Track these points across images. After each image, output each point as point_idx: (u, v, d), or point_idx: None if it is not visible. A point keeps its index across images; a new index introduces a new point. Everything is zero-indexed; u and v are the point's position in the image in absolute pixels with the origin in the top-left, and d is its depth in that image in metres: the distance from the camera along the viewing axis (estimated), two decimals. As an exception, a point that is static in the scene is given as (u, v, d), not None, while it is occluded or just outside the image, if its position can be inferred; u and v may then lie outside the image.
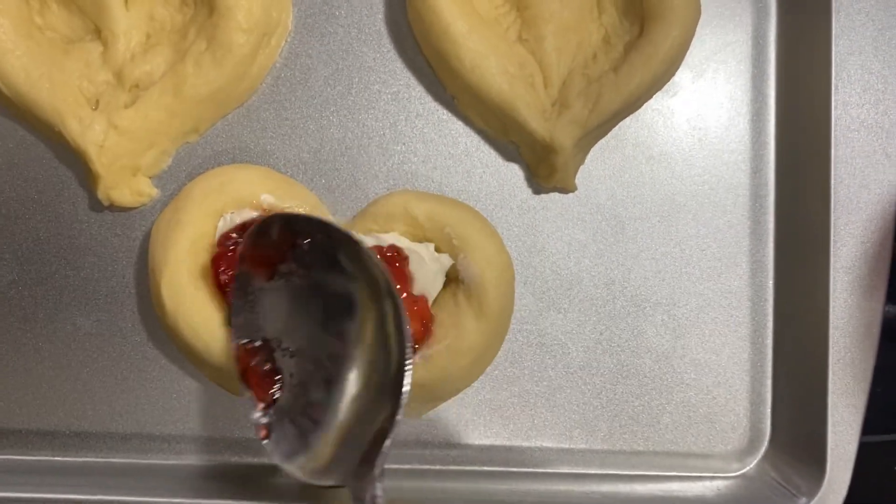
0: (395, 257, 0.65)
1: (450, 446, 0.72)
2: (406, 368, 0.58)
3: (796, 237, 0.72)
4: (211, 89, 0.69)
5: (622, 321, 0.73)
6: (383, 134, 0.73)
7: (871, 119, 0.68)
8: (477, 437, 0.72)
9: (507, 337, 0.71)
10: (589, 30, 0.71)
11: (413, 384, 0.58)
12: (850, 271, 0.68)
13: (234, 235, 0.67)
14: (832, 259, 0.68)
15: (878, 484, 0.79)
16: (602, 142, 0.73)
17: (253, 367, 0.63)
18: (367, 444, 0.58)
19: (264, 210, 0.68)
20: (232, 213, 0.68)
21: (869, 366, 0.68)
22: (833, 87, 0.68)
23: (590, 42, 0.70)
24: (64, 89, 0.68)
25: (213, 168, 0.71)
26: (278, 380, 0.63)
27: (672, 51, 0.68)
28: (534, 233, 0.73)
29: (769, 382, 0.73)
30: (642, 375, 0.73)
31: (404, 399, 0.58)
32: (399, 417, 0.57)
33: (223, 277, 0.66)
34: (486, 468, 0.72)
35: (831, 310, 0.68)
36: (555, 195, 0.73)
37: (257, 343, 0.64)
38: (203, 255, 0.68)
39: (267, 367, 0.63)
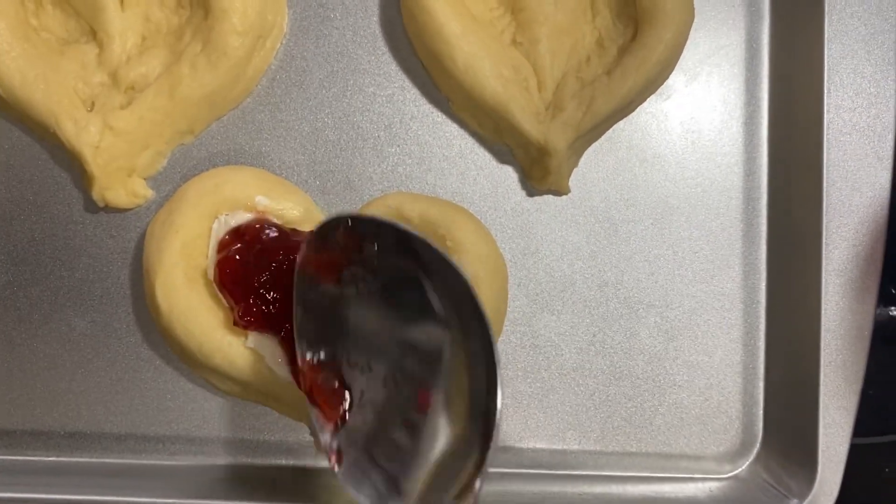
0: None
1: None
2: (496, 390, 0.49)
3: (788, 240, 0.72)
4: (206, 91, 0.69)
5: (615, 323, 0.73)
6: (378, 136, 0.73)
7: (863, 122, 0.69)
8: (470, 438, 0.73)
9: (500, 338, 0.72)
10: (583, 32, 0.71)
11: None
12: (842, 274, 0.68)
13: (227, 237, 0.67)
14: (824, 262, 0.68)
15: (869, 485, 0.79)
16: (596, 144, 0.73)
17: (320, 385, 0.57)
18: (455, 475, 0.50)
19: (258, 212, 0.68)
20: (226, 214, 0.68)
21: (860, 368, 0.68)
22: (825, 91, 0.69)
23: (583, 45, 0.71)
24: (59, 91, 0.68)
25: (207, 170, 0.71)
26: (345, 398, 0.56)
27: (665, 54, 0.68)
28: (527, 235, 0.73)
29: (761, 384, 0.73)
30: (635, 377, 0.73)
31: (498, 427, 0.49)
32: (492, 451, 0.48)
33: (228, 282, 0.66)
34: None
35: (823, 312, 0.68)
36: (548, 197, 0.73)
37: (323, 356, 0.58)
38: (198, 257, 0.68)
39: (335, 384, 0.57)
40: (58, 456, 0.72)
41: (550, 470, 0.73)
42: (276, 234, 0.67)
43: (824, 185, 0.68)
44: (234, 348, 0.67)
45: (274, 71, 0.73)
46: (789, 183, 0.72)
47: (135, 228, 0.73)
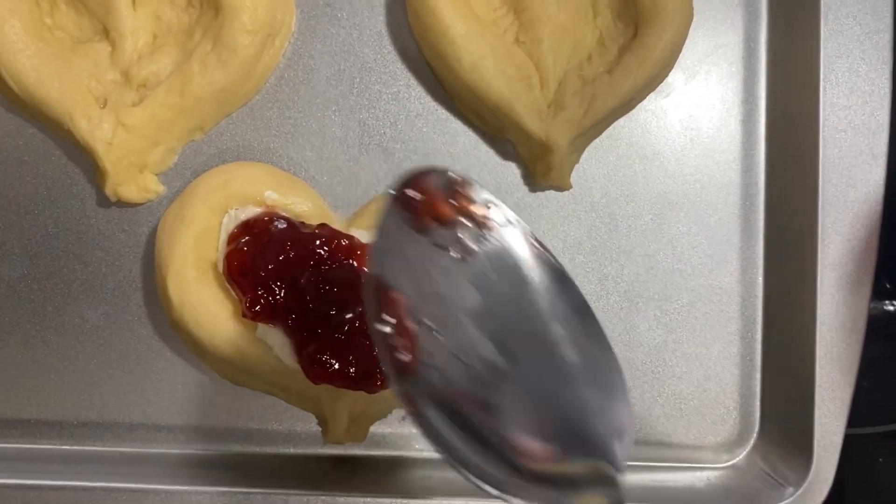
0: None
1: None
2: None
3: (785, 235, 0.73)
4: (216, 89, 0.70)
5: (615, 316, 0.73)
6: (383, 133, 0.74)
7: (859, 120, 0.69)
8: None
9: (503, 331, 0.72)
10: (584, 32, 0.71)
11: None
12: (838, 268, 0.69)
13: (237, 230, 0.68)
14: (820, 256, 0.69)
15: (863, 474, 0.80)
16: (596, 141, 0.74)
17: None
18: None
19: (267, 206, 0.69)
20: (236, 209, 0.69)
21: (855, 360, 0.69)
22: (821, 89, 0.69)
23: (585, 44, 0.71)
24: (73, 88, 0.69)
25: (217, 165, 0.72)
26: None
27: (665, 53, 0.69)
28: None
29: (758, 376, 0.74)
30: (634, 368, 0.73)
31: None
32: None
33: (237, 273, 0.66)
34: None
35: (819, 305, 0.69)
36: (550, 193, 0.74)
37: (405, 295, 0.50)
38: (208, 250, 0.69)
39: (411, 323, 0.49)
40: (71, 445, 0.73)
41: (552, 459, 0.73)
42: (284, 225, 0.67)
43: (820, 181, 0.69)
44: (244, 339, 0.67)
45: (282, 69, 0.73)
46: (786, 179, 0.73)
47: (146, 223, 0.73)
